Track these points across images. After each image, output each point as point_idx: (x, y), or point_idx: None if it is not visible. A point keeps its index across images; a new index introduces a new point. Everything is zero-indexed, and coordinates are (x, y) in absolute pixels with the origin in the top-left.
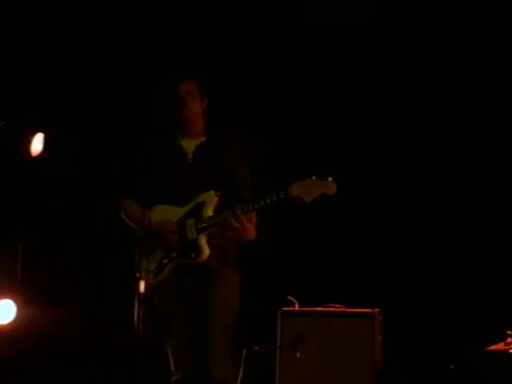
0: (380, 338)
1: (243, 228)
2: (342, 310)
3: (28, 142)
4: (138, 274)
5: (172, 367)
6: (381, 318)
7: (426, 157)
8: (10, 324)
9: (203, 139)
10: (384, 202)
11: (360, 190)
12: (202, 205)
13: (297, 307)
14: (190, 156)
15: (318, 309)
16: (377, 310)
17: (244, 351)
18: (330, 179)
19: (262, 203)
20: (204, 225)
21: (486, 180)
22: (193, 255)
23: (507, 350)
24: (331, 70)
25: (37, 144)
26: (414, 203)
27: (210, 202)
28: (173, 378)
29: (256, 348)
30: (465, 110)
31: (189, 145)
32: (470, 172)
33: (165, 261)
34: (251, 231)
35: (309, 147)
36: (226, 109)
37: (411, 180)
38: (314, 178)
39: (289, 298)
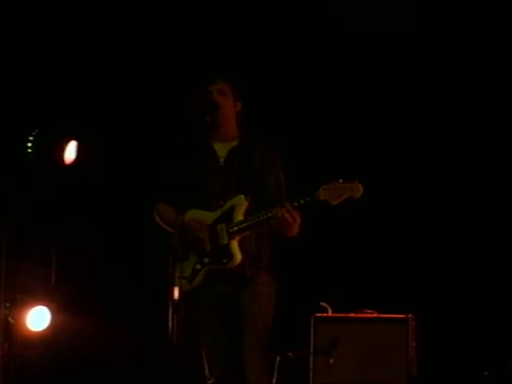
0: (414, 343)
1: (294, 222)
2: (375, 315)
3: (61, 150)
4: (172, 281)
5: (206, 373)
6: (414, 323)
7: (453, 162)
8: (45, 331)
9: (236, 142)
10: (418, 207)
11: (391, 195)
12: (232, 209)
13: (330, 313)
14: (222, 160)
15: (352, 315)
16: (410, 315)
17: (278, 357)
18: (357, 182)
19: (296, 203)
20: (235, 229)
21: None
22: (225, 261)
23: None
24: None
25: (70, 152)
26: (450, 209)
27: (240, 206)
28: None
29: (289, 354)
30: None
31: (221, 148)
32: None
33: (198, 266)
34: (297, 227)
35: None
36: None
37: (446, 187)
38: (340, 180)
39: (322, 303)
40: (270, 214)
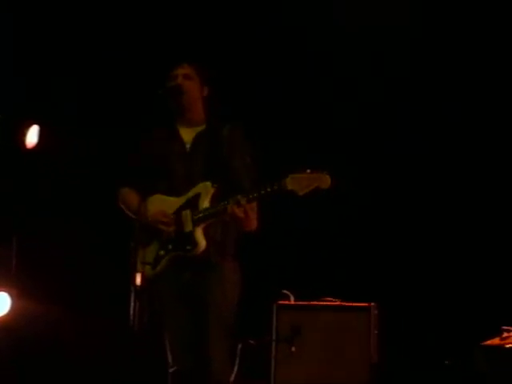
0: (376, 331)
1: (246, 217)
2: (337, 303)
3: (23, 134)
4: (134, 267)
5: (169, 359)
6: (376, 312)
7: (420, 152)
8: (5, 316)
9: (203, 127)
10: (381, 196)
11: (356, 184)
12: (198, 196)
13: (292, 301)
14: (188, 145)
15: (314, 303)
16: (373, 304)
17: (239, 345)
18: (325, 172)
19: (263, 192)
20: (200, 216)
21: (480, 176)
22: (188, 247)
23: (503, 344)
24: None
25: (32, 136)
26: (410, 198)
27: (206, 193)
28: (170, 371)
29: (251, 342)
30: (465, 110)
31: (188, 133)
32: (464, 167)
33: (161, 252)
34: (253, 221)
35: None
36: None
37: (407, 175)
38: (308, 170)
39: (284, 291)
40: (227, 205)
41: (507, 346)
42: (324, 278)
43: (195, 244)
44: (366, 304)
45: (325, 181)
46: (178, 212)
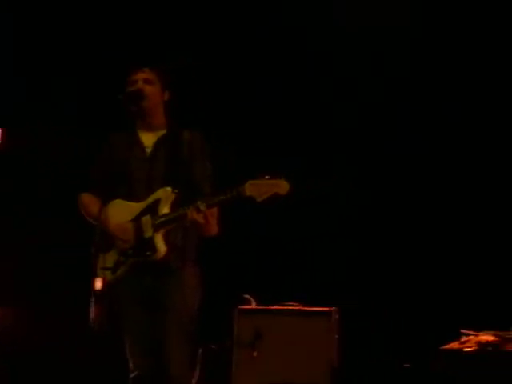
0: (336, 336)
1: (207, 223)
2: (298, 308)
3: None
4: (94, 272)
5: (130, 364)
6: (337, 316)
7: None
8: None
9: (164, 132)
10: (340, 200)
11: (316, 187)
12: (158, 201)
13: (254, 305)
14: (148, 150)
15: (275, 307)
16: (333, 308)
17: (200, 350)
18: (283, 179)
19: (222, 197)
20: (160, 222)
21: (440, 178)
22: (148, 253)
23: (462, 348)
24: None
25: None
26: (370, 202)
27: (167, 198)
28: (131, 375)
29: (212, 346)
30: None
31: (148, 138)
32: (435, 167)
33: (122, 258)
34: (214, 226)
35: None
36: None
37: (367, 178)
38: (267, 176)
39: (246, 296)
40: (187, 211)
41: (466, 349)
42: (285, 282)
43: (155, 250)
44: (327, 309)
45: (283, 187)
46: (137, 217)
